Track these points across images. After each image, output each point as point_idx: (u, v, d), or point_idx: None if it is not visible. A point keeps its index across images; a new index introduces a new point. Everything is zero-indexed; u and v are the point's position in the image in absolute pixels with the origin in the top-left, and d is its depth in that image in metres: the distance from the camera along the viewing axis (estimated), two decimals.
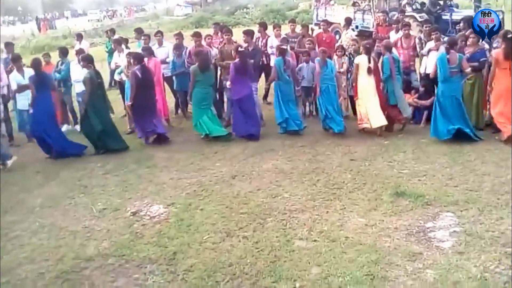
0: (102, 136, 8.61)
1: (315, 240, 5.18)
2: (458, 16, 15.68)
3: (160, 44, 10.75)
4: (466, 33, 8.95)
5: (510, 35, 8.01)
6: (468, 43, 8.60)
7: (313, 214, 5.80)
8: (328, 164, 7.46)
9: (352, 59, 9.44)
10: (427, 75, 9.05)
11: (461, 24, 10.33)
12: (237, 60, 8.90)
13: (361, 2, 21.41)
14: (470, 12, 16.34)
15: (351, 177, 6.90)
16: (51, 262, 5.11)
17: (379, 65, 8.77)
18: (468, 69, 8.11)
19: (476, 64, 8.32)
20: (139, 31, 12.83)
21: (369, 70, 8.61)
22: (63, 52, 10.51)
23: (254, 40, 10.32)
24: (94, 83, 8.51)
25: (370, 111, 8.70)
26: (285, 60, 8.99)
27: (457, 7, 18.57)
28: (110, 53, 12.86)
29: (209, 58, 9.22)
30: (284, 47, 9.27)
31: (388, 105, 8.82)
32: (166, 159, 8.17)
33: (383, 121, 8.70)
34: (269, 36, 10.91)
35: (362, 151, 7.96)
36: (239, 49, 8.99)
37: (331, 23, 17.05)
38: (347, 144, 8.35)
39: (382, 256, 4.78)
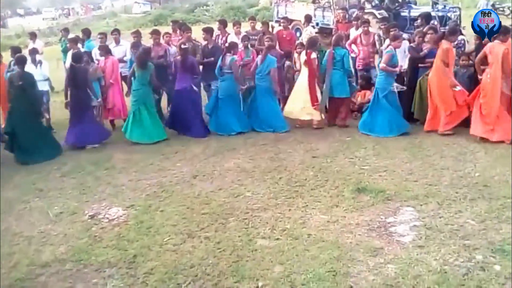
0: (13, 140, 8.21)
1: (277, 239, 5.14)
2: (416, 13, 15.91)
3: (117, 42, 10.49)
4: (424, 30, 9.08)
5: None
6: (425, 39, 8.73)
7: (276, 212, 5.76)
8: (290, 162, 7.44)
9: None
10: None
11: (419, 21, 10.48)
12: (178, 56, 8.99)
13: None
14: (428, 9, 16.69)
15: (313, 174, 6.90)
16: (4, 269, 4.90)
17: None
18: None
19: (433, 60, 8.44)
20: (85, 32, 12.28)
21: (304, 63, 8.91)
22: (16, 52, 10.10)
23: (214, 37, 10.23)
24: (13, 85, 8.17)
25: (290, 101, 9.17)
26: (223, 57, 8.93)
27: (415, 4, 18.87)
28: (65, 52, 12.47)
29: (146, 56, 8.83)
30: (226, 44, 9.28)
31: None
32: (125, 160, 7.99)
33: (296, 115, 9.10)
34: (229, 34, 10.81)
35: (324, 148, 7.98)
36: (182, 46, 8.99)
37: (292, 20, 17.08)
38: (309, 141, 8.37)
39: (344, 252, 4.79)
